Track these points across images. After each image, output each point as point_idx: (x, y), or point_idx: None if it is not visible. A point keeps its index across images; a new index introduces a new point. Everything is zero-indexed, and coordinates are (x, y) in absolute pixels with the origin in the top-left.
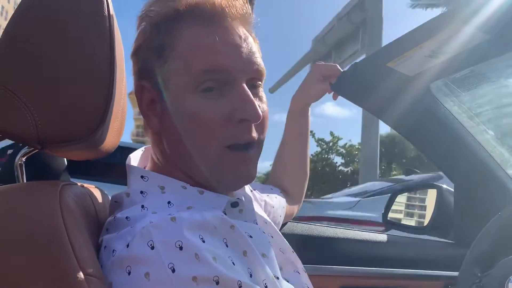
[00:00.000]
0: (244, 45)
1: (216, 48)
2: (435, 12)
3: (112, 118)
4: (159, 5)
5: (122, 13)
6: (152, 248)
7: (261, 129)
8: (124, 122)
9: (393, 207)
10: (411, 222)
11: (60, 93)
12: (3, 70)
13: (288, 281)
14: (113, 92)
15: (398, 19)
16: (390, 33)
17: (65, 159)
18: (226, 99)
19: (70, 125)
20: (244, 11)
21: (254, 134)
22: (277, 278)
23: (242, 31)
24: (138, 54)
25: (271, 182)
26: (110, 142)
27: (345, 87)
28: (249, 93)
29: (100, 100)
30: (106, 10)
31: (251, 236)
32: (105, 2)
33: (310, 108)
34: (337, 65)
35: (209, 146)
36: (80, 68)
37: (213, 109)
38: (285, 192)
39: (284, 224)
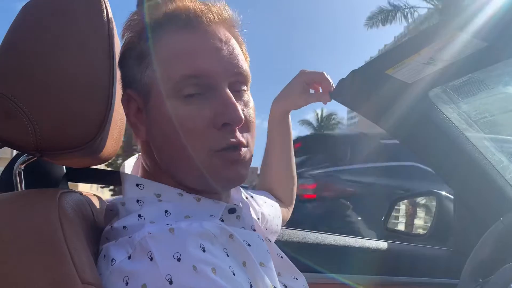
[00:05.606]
0: (224, 48)
1: (195, 52)
2: None
3: (112, 126)
4: (141, 15)
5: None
6: (151, 259)
7: (247, 133)
8: (123, 130)
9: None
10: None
11: (59, 100)
12: (2, 78)
13: (286, 287)
14: (112, 99)
15: None
16: None
17: (64, 166)
18: (209, 104)
19: (69, 132)
20: (225, 14)
21: (241, 138)
22: None
23: (223, 34)
24: (122, 63)
25: (260, 188)
26: (109, 149)
27: (343, 94)
28: (231, 96)
29: (99, 108)
30: (105, 18)
31: (249, 244)
32: (104, 10)
33: (289, 115)
34: (324, 72)
35: (196, 151)
36: (79, 75)
37: (196, 115)
38: (275, 198)
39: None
